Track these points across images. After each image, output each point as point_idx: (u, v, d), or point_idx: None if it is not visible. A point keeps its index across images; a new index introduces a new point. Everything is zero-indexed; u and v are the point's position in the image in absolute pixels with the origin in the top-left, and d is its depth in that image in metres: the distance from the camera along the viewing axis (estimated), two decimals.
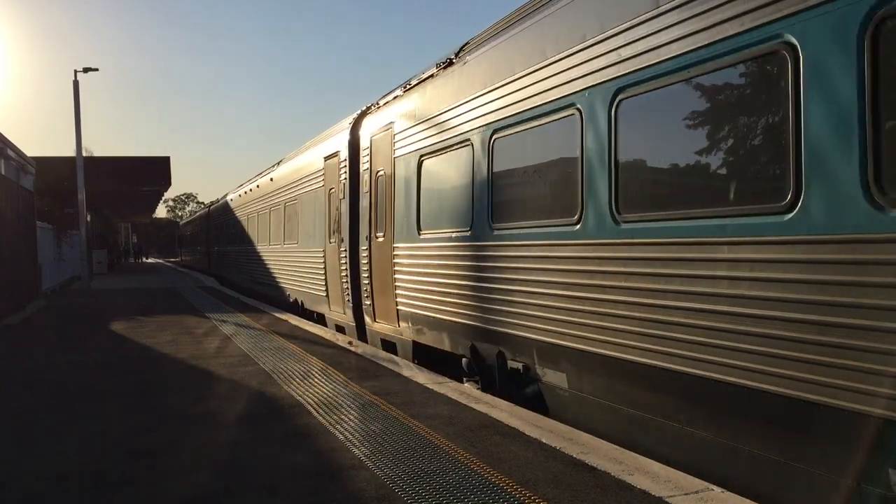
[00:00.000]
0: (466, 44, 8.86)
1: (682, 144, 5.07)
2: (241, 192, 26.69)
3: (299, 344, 11.20)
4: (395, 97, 10.89)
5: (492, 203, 7.60)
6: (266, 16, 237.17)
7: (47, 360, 10.13)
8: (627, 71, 5.46)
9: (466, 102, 8.15)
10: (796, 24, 4.08)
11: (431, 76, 9.50)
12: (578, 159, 6.04)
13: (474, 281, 7.93)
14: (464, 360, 8.49)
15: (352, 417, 6.37)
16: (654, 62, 5.16)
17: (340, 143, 12.90)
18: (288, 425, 6.18)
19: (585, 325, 5.95)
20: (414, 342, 9.75)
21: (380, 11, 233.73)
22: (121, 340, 12.26)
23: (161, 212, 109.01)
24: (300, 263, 16.22)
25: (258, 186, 22.37)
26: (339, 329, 13.35)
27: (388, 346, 10.86)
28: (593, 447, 5.35)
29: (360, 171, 11.83)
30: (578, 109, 6.06)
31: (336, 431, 5.89)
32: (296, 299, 17.09)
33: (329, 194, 13.57)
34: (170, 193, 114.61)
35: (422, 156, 9.33)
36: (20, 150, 18.52)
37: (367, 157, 11.47)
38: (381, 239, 10.76)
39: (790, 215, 4.11)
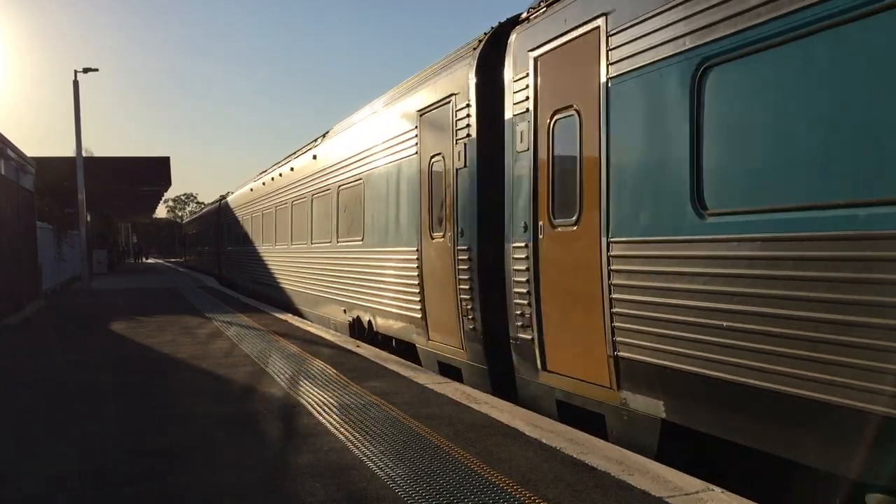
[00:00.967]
0: None
1: None
2: (266, 178, 21.35)
3: (300, 344, 11.20)
4: None
5: None
6: (266, 15, 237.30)
7: (47, 361, 10.13)
8: None
9: None
10: None
11: None
12: None
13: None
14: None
15: (352, 418, 6.37)
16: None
17: (457, 81, 8.46)
18: (288, 425, 6.18)
19: None
20: (675, 426, 5.31)
21: (380, 11, 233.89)
22: (121, 341, 12.26)
23: (161, 212, 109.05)
24: (366, 267, 11.73)
25: (292, 170, 17.67)
26: (445, 369, 8.95)
27: (567, 411, 6.63)
28: (593, 447, 5.35)
29: (510, 117, 7.34)
30: None
31: (336, 431, 5.90)
32: (356, 318, 12.43)
33: (430, 165, 9.17)
34: (170, 193, 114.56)
35: (707, 60, 4.85)
36: (20, 150, 18.53)
37: (528, 92, 7.01)
38: (569, 229, 6.43)
39: None
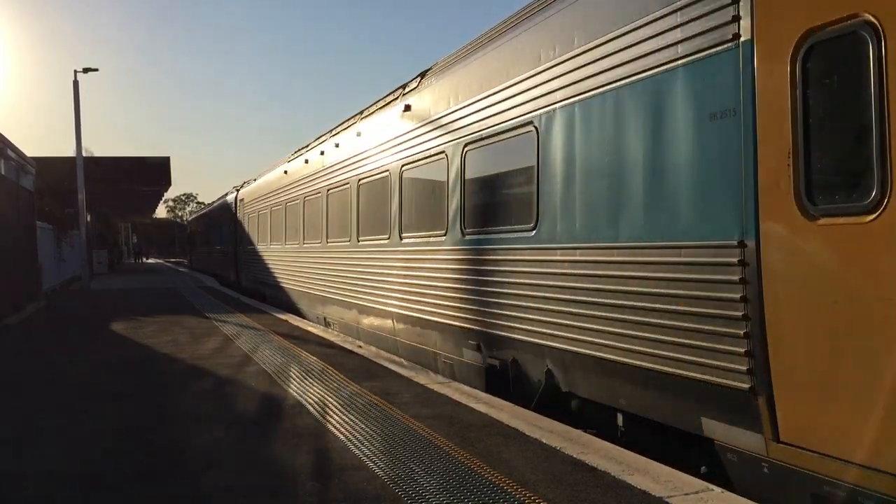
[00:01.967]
0: None
1: None
2: (311, 155, 15.98)
3: (300, 344, 11.20)
4: None
5: None
6: (266, 15, 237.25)
7: (47, 361, 10.13)
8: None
9: None
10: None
11: None
12: None
13: None
14: None
15: (353, 418, 6.37)
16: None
17: None
18: (289, 425, 6.18)
19: None
20: None
21: (380, 11, 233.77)
22: (121, 341, 12.26)
23: (161, 212, 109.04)
24: (558, 278, 6.57)
25: (359, 135, 12.44)
26: None
27: None
28: (593, 447, 5.36)
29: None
30: None
31: (337, 431, 5.90)
32: (508, 361, 7.57)
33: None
34: (170, 193, 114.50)
35: None
36: (20, 150, 18.53)
37: None
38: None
39: None
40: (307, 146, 17.18)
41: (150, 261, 79.36)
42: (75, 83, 26.66)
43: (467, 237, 8.37)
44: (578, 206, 6.30)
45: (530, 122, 6.99)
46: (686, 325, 5.03)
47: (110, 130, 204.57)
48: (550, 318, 6.64)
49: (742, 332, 4.58)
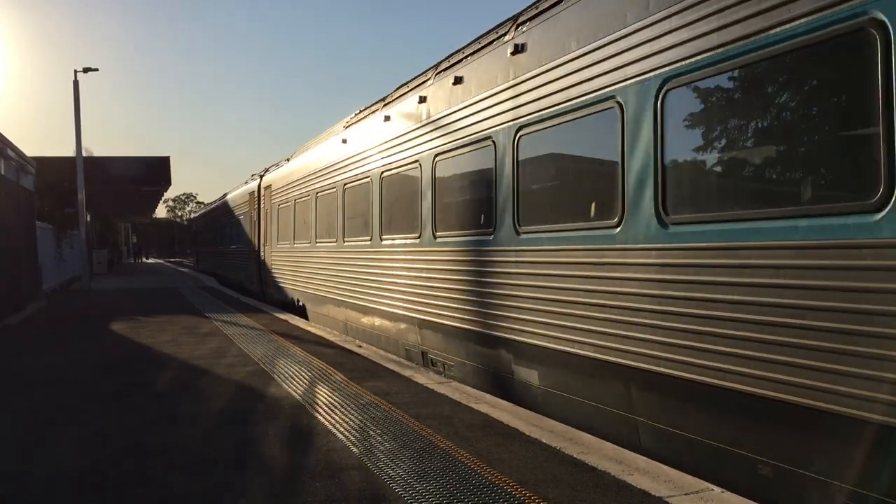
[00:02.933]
0: None
1: None
2: (402, 105, 10.41)
3: (300, 344, 11.20)
4: None
5: None
6: (266, 16, 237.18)
7: (47, 361, 10.12)
8: None
9: None
10: None
11: None
12: None
13: None
14: None
15: (352, 417, 6.37)
16: None
17: None
18: (288, 425, 6.18)
19: None
20: None
21: (380, 11, 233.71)
22: (121, 340, 12.26)
23: (161, 212, 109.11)
24: None
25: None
26: None
27: None
28: (593, 447, 5.36)
29: None
30: None
31: (337, 431, 5.90)
32: None
33: None
34: (170, 193, 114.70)
35: None
36: (20, 150, 18.56)
37: None
38: None
39: None
40: (384, 100, 11.72)
41: (149, 261, 79.37)
42: (75, 83, 26.66)
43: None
44: None
45: None
46: None
47: (110, 130, 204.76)
48: None
49: None
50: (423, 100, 9.58)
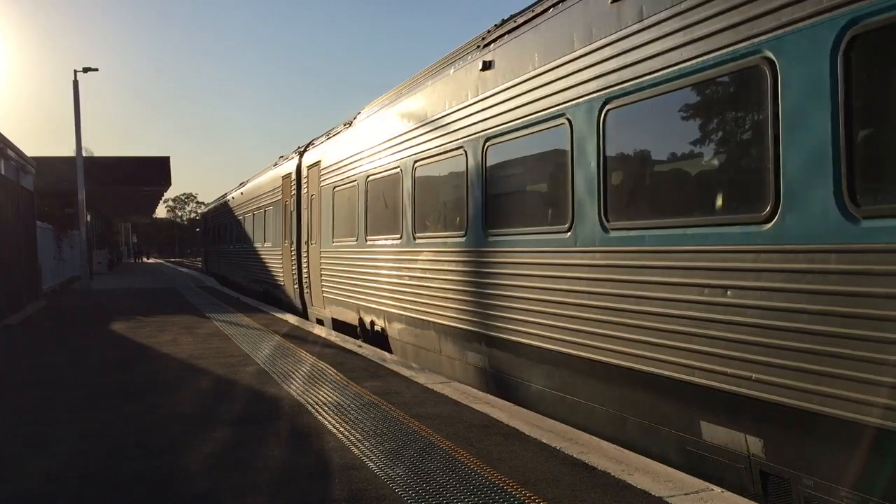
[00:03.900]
0: None
1: None
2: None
3: (300, 344, 11.20)
4: None
5: None
6: (266, 16, 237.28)
7: (47, 360, 10.12)
8: None
9: None
10: None
11: None
12: None
13: None
14: None
15: (352, 417, 6.37)
16: None
17: None
18: (288, 425, 6.18)
19: None
20: None
21: (380, 11, 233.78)
22: (121, 340, 12.26)
23: (161, 212, 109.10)
24: None
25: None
26: None
27: None
28: (593, 447, 5.36)
29: None
30: None
31: (336, 431, 5.90)
32: None
33: None
34: (170, 193, 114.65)
35: None
36: (20, 150, 18.56)
37: None
38: None
39: None
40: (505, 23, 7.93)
41: (150, 261, 79.38)
42: (75, 83, 26.67)
43: None
44: None
45: None
46: None
47: (110, 130, 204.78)
48: None
49: None
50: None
